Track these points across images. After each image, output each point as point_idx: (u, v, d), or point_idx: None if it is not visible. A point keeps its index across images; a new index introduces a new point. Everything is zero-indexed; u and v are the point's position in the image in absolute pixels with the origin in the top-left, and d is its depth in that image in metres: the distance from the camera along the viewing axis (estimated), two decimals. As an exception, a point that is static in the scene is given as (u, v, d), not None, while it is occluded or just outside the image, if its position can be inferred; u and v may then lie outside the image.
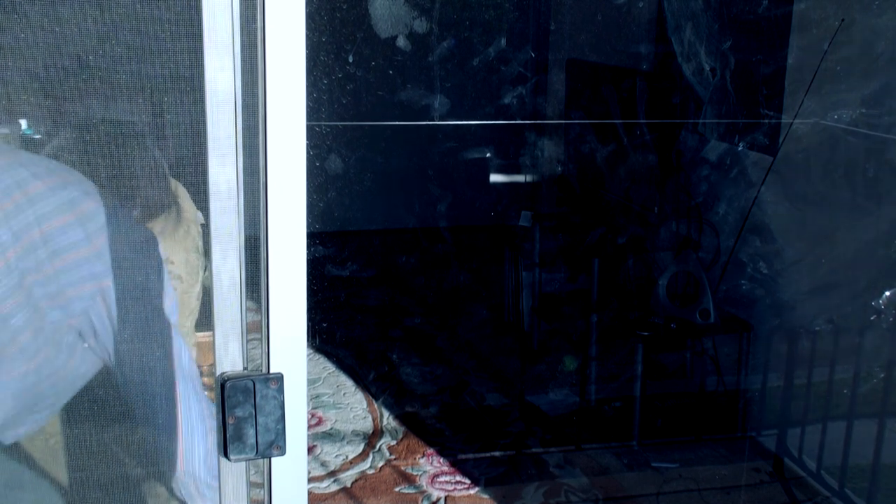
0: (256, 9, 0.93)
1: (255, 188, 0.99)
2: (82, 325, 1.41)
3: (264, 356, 1.02)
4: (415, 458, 3.20)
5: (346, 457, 3.20)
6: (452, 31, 4.61)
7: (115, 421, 1.51)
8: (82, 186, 1.38)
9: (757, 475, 3.17)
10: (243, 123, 0.98)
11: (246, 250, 1.03)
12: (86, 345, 1.43)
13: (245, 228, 1.02)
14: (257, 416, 1.00)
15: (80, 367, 1.46)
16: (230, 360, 1.02)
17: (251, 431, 1.00)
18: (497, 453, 3.27)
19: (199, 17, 0.94)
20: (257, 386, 1.00)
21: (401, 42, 4.21)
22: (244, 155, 0.99)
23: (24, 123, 1.59)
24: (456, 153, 5.20)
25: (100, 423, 1.53)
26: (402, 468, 3.13)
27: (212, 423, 1.54)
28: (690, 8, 3.57)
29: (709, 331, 3.46)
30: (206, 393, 1.52)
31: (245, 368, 1.02)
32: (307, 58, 0.96)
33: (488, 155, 5.27)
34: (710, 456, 3.30)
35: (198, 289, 1.79)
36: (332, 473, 3.09)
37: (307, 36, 0.95)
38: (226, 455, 1.00)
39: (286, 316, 1.01)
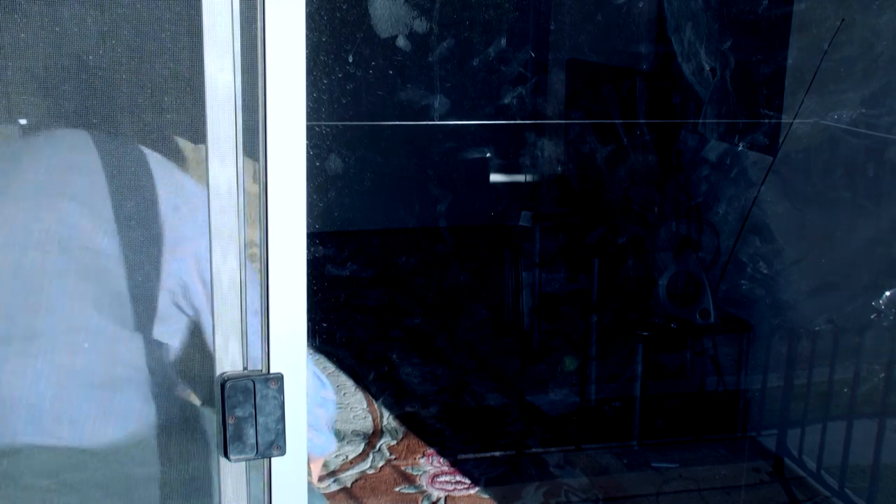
0: (256, 9, 0.93)
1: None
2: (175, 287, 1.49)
3: (264, 356, 1.02)
4: (415, 458, 3.20)
5: (346, 457, 3.20)
6: (452, 31, 4.61)
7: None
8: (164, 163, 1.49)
9: (757, 475, 3.17)
10: (243, 123, 0.98)
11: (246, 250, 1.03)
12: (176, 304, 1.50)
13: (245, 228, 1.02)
14: (257, 416, 1.00)
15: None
16: (230, 360, 1.02)
17: (251, 431, 1.00)
18: (497, 453, 3.27)
19: (199, 17, 0.94)
20: (257, 386, 1.00)
21: (401, 42, 4.21)
22: (244, 154, 0.99)
23: (23, 123, 1.59)
24: (456, 153, 5.20)
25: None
26: (402, 468, 3.13)
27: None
28: (690, 8, 3.57)
29: (709, 331, 3.46)
30: None
31: (245, 368, 1.02)
32: (307, 58, 0.96)
33: (488, 155, 5.27)
34: (710, 456, 3.30)
35: None
36: (332, 473, 3.09)
37: (307, 36, 0.95)
38: (226, 455, 1.00)
39: (286, 316, 1.01)
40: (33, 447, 1.37)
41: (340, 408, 3.57)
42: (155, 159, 1.51)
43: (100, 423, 1.41)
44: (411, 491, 3.01)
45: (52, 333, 1.39)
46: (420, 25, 4.23)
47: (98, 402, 1.41)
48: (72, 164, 1.47)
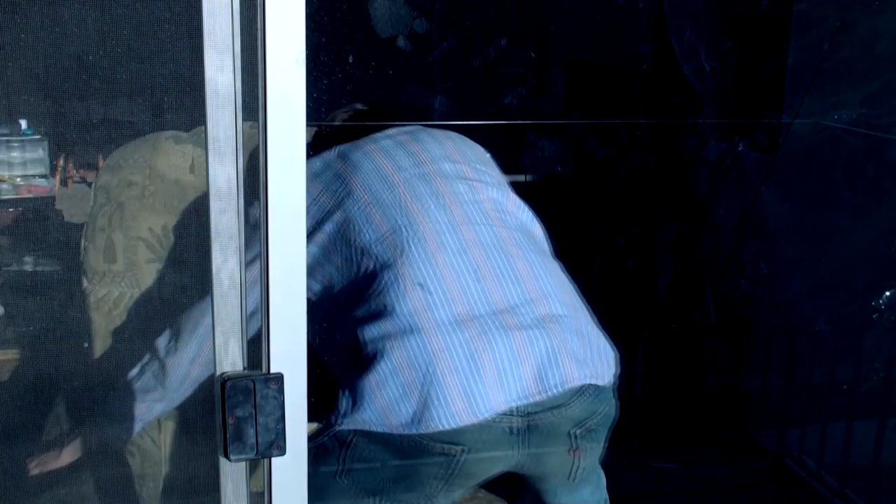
0: (256, 9, 0.93)
1: (255, 188, 0.99)
2: None
3: (264, 356, 1.02)
4: (415, 458, 3.19)
5: (346, 457, 3.20)
6: (452, 31, 4.61)
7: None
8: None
9: (757, 475, 3.17)
10: (243, 123, 0.98)
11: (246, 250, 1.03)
12: None
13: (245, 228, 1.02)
14: (257, 416, 1.00)
15: None
16: (230, 360, 1.02)
17: (251, 431, 1.00)
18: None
19: (199, 17, 0.94)
20: (257, 386, 1.00)
21: (401, 42, 4.21)
22: (244, 155, 1.00)
23: (23, 123, 1.59)
24: (456, 153, 5.19)
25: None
26: (402, 468, 3.13)
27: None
28: (690, 8, 3.58)
29: (709, 331, 3.46)
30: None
31: (245, 368, 1.02)
32: (307, 58, 0.96)
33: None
34: (710, 456, 3.30)
35: None
36: (332, 473, 3.08)
37: (307, 36, 0.95)
38: (226, 455, 1.00)
39: (286, 316, 1.01)
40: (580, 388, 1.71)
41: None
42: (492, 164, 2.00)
43: (608, 364, 1.82)
44: (411, 491, 3.01)
45: (554, 293, 1.83)
46: (420, 25, 4.23)
47: (603, 348, 1.83)
48: (481, 157, 2.02)
